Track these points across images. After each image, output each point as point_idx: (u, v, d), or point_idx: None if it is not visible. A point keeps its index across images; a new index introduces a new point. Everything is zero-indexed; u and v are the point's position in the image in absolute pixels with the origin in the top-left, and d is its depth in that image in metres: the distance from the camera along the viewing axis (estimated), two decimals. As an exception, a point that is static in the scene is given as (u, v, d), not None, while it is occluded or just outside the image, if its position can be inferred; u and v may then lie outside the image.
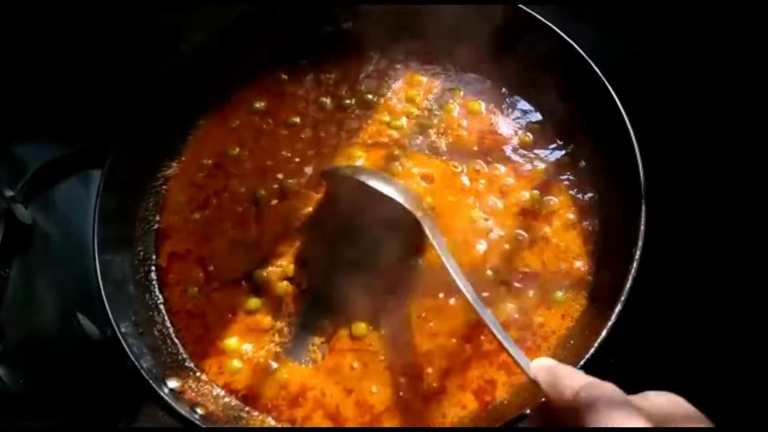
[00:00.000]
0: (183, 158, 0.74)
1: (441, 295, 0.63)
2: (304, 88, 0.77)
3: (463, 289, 0.53)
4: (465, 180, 0.69)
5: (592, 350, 0.53)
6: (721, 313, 0.68)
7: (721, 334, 0.68)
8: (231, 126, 0.75)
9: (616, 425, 0.31)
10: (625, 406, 0.33)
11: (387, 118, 0.74)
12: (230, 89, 0.76)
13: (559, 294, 0.63)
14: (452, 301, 0.63)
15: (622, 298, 0.54)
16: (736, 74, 0.68)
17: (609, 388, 0.34)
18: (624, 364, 0.78)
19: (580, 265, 0.64)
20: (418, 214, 0.60)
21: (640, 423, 0.31)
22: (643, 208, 0.58)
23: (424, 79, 0.77)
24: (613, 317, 0.54)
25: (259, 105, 0.76)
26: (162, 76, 0.71)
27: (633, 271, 0.55)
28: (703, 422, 0.34)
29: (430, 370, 0.60)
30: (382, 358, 0.61)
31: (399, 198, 0.61)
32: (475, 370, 0.60)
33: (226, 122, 0.75)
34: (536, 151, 0.71)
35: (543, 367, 0.40)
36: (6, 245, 0.76)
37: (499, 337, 0.47)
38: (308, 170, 0.71)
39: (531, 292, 0.63)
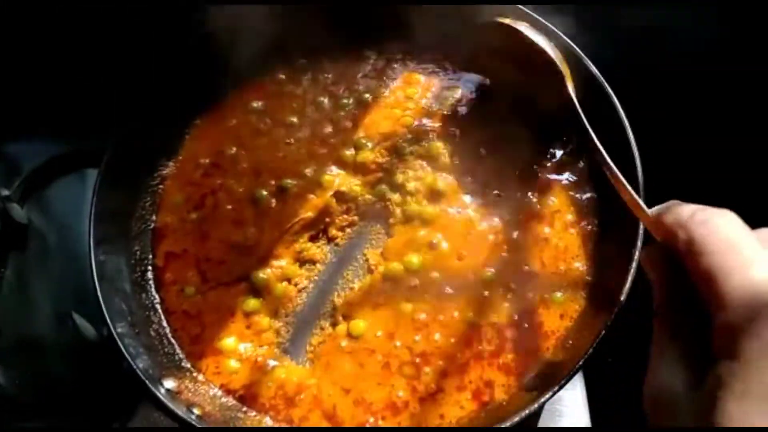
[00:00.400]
0: (180, 157, 0.73)
1: (448, 291, 0.63)
2: (302, 87, 0.76)
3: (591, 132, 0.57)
4: (465, 179, 0.69)
5: (590, 350, 0.52)
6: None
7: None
8: (228, 125, 0.74)
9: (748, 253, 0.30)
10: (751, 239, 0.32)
11: (386, 116, 0.73)
12: (227, 89, 0.76)
13: (558, 294, 0.63)
14: (451, 297, 0.63)
15: (621, 299, 0.54)
16: (736, 74, 0.68)
17: (728, 213, 0.34)
18: (621, 363, 0.78)
19: (579, 265, 0.64)
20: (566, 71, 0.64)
21: None
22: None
23: (422, 78, 0.77)
24: (612, 318, 0.54)
25: (257, 104, 0.75)
26: (159, 75, 0.71)
27: (632, 271, 0.55)
28: None
29: (427, 370, 0.60)
30: (379, 358, 0.60)
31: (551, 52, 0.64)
32: (473, 370, 0.60)
33: (223, 122, 0.74)
34: (534, 149, 0.71)
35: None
36: (1, 244, 0.75)
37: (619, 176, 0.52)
38: (307, 171, 0.70)
39: (530, 292, 0.63)
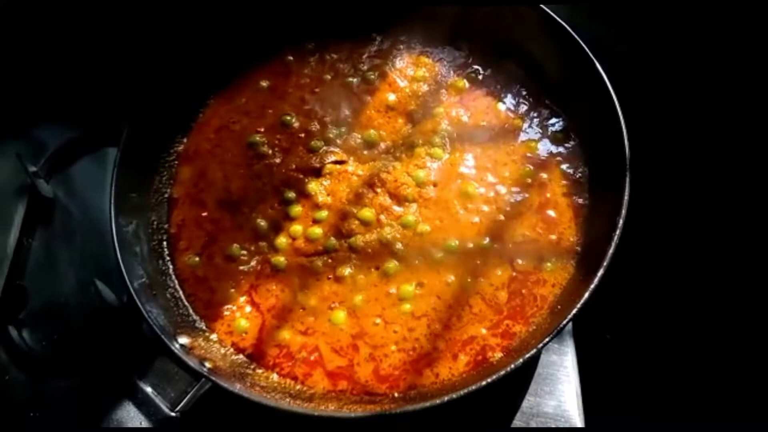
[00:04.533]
0: (193, 133, 0.77)
1: (438, 255, 0.66)
2: (309, 67, 0.80)
3: None
4: (462, 153, 0.72)
5: (573, 311, 0.55)
6: (708, 284, 0.69)
7: (705, 304, 0.70)
8: (238, 104, 0.78)
9: None
10: None
11: (390, 96, 0.77)
12: (238, 70, 0.80)
13: (549, 263, 0.66)
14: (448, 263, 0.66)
15: (605, 264, 0.57)
16: (723, 57, 0.69)
17: None
18: (619, 340, 0.81)
19: (570, 236, 0.67)
20: None
21: None
22: (627, 178, 0.60)
23: (425, 59, 0.80)
24: (596, 281, 0.56)
25: (265, 84, 0.79)
26: (173, 59, 0.75)
27: (616, 238, 0.58)
28: None
29: (424, 331, 0.63)
30: (377, 321, 0.64)
31: None
32: (467, 333, 0.63)
33: (234, 101, 0.79)
34: (530, 126, 0.74)
35: None
36: (30, 218, 0.81)
37: None
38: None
39: (522, 261, 0.66)
